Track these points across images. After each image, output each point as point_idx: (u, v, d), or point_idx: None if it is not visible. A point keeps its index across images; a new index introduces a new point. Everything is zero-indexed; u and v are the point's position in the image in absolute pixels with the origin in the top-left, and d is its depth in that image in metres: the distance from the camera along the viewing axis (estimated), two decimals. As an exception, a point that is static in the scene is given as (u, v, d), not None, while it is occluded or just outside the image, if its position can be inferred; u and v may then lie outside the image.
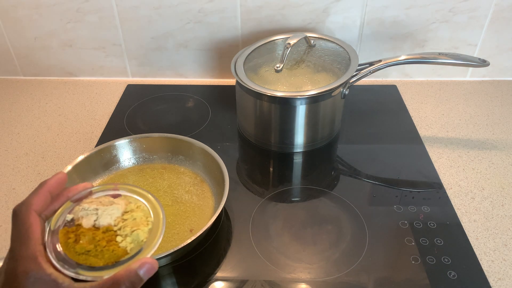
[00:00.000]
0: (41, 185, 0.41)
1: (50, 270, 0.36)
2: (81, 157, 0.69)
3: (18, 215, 0.38)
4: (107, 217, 0.41)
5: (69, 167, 0.67)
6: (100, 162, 0.72)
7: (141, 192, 0.45)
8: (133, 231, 0.40)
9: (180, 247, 0.55)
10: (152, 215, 0.42)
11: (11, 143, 0.85)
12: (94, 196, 0.43)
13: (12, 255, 0.37)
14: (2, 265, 0.38)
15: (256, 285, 0.57)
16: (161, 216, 0.42)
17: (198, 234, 0.56)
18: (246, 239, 0.64)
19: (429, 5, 0.90)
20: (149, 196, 0.44)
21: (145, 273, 0.37)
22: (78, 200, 0.42)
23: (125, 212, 0.42)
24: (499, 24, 0.93)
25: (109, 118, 0.91)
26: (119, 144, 0.73)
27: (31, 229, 0.37)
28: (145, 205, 0.43)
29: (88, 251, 0.39)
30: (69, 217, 0.41)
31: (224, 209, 0.67)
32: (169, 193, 0.69)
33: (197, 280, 0.59)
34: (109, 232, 0.40)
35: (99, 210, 0.41)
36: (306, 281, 0.58)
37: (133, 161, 0.75)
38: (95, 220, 0.40)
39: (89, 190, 0.43)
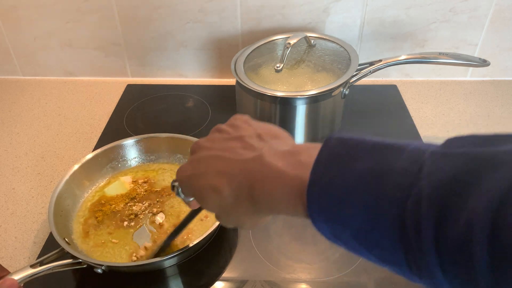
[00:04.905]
0: None
1: None
2: (89, 156, 0.70)
3: None
4: None
5: (76, 166, 0.68)
6: (106, 161, 0.73)
7: None
8: None
9: (182, 251, 0.55)
10: None
11: (11, 143, 0.85)
12: None
13: None
14: None
15: (256, 285, 0.57)
16: None
17: (201, 238, 0.57)
18: (247, 240, 0.64)
19: (429, 5, 0.90)
20: None
21: None
22: None
23: None
24: (499, 24, 0.92)
25: (108, 118, 0.91)
26: (126, 144, 0.74)
27: None
28: None
29: None
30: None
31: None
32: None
33: (197, 280, 0.59)
34: None
35: None
36: (306, 281, 0.58)
37: (138, 160, 0.75)
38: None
39: None
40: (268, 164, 0.34)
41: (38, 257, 0.62)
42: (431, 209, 0.26)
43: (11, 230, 0.68)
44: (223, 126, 0.41)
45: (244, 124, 0.41)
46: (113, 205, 0.67)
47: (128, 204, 0.67)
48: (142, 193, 0.69)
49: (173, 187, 0.43)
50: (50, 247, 0.61)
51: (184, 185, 0.41)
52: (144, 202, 0.68)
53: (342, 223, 0.30)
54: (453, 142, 0.28)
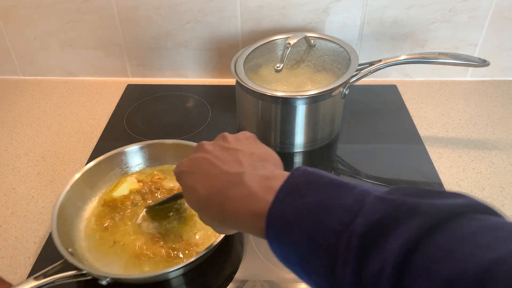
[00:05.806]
0: None
1: None
2: (91, 164, 0.68)
3: None
4: None
5: (77, 175, 0.67)
6: (110, 168, 0.71)
7: None
8: None
9: (191, 260, 0.55)
10: None
11: (11, 143, 0.85)
12: None
13: None
14: None
15: (256, 285, 0.57)
16: None
17: (208, 248, 0.56)
18: (247, 239, 0.64)
19: (429, 5, 0.90)
20: None
21: None
22: None
23: None
24: (499, 24, 0.92)
25: (109, 118, 0.91)
26: (129, 150, 0.72)
27: None
28: None
29: None
30: None
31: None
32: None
33: (196, 280, 0.59)
34: None
35: None
36: (306, 281, 0.58)
37: (141, 166, 0.74)
38: None
39: None
40: (244, 183, 0.37)
41: (36, 260, 0.63)
42: (359, 245, 0.28)
43: (11, 230, 0.68)
44: (228, 136, 0.45)
45: (246, 140, 0.45)
46: (125, 202, 0.67)
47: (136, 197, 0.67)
48: (152, 189, 0.69)
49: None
50: (51, 247, 0.61)
51: (177, 178, 0.45)
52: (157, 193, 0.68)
53: (290, 247, 0.33)
54: (394, 190, 0.31)
